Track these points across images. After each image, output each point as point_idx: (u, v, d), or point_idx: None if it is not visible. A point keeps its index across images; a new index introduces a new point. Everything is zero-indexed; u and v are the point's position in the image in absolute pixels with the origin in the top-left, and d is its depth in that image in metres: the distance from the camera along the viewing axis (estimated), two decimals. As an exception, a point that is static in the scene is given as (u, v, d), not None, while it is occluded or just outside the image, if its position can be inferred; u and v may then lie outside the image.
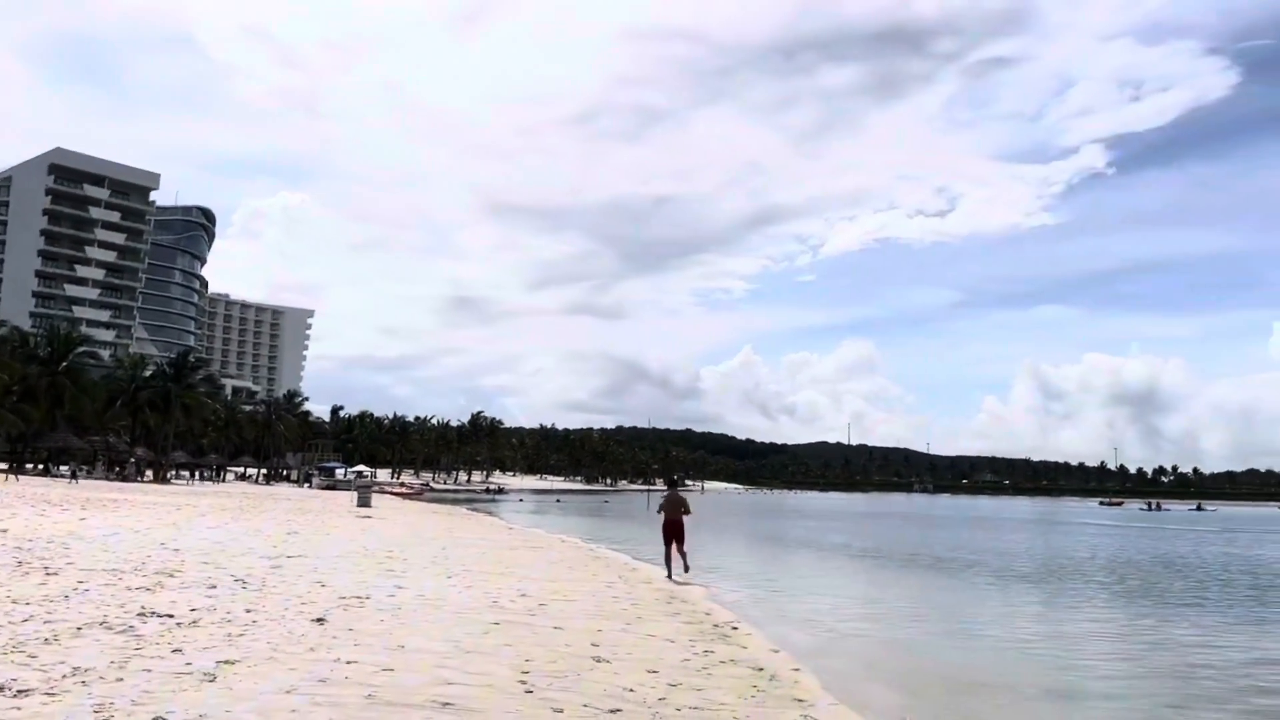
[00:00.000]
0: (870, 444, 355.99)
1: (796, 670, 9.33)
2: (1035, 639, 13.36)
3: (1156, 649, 12.53)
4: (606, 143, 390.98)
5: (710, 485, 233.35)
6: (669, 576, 17.49)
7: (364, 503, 42.83)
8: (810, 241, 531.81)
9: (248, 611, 10.23)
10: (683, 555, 17.87)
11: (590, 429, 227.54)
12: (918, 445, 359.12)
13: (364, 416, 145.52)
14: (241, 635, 8.82)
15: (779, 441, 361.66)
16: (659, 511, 18.39)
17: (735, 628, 11.81)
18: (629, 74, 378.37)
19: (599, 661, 8.73)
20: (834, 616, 14.88)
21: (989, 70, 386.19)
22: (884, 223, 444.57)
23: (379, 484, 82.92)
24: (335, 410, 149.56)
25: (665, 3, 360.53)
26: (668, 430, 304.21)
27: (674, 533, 17.82)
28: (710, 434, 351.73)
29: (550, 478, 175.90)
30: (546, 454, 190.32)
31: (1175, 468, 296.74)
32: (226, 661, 7.58)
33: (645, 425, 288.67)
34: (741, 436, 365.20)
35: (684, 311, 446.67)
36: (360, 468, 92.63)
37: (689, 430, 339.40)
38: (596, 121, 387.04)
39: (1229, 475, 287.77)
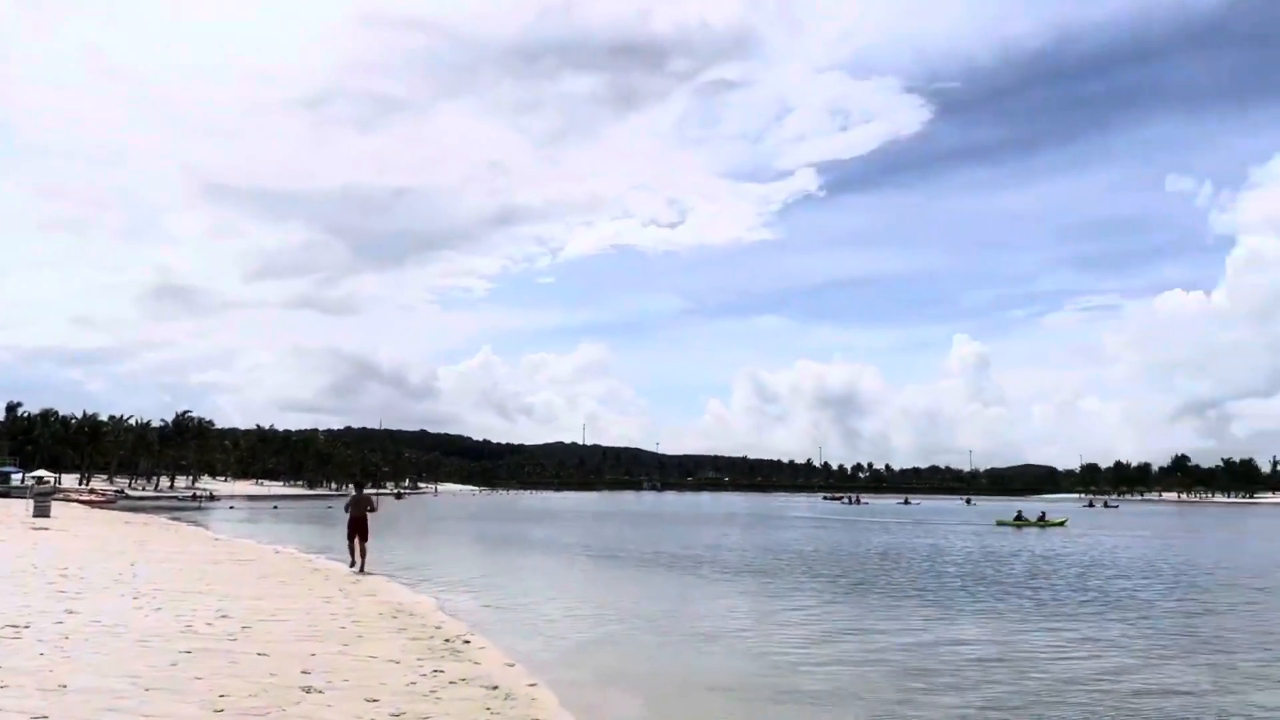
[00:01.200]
0: (604, 444, 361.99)
1: (533, 685, 8.76)
2: (770, 638, 13.53)
3: (886, 643, 13.01)
4: (338, 128, 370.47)
5: (445, 487, 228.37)
6: (351, 566, 19.80)
7: (41, 512, 37.98)
8: (550, 244, 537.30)
9: None
10: (363, 551, 19.76)
11: (315, 430, 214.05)
12: (647, 445, 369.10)
13: (47, 415, 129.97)
14: None
15: (516, 442, 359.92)
16: (345, 510, 20.70)
17: (467, 641, 11.06)
18: (364, 60, 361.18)
19: (309, 692, 7.67)
20: (571, 623, 14.49)
21: (718, 91, 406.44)
22: (619, 230, 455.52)
23: (63, 491, 74.01)
24: (12, 408, 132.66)
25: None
26: (400, 431, 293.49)
27: (358, 529, 19.78)
28: (446, 435, 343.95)
29: (268, 483, 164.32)
30: (264, 457, 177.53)
31: (870, 465, 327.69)
32: None
33: (376, 426, 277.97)
34: (479, 437, 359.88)
35: (421, 309, 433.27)
36: (40, 473, 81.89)
37: (424, 431, 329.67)
38: (328, 106, 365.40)
39: (915, 471, 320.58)
